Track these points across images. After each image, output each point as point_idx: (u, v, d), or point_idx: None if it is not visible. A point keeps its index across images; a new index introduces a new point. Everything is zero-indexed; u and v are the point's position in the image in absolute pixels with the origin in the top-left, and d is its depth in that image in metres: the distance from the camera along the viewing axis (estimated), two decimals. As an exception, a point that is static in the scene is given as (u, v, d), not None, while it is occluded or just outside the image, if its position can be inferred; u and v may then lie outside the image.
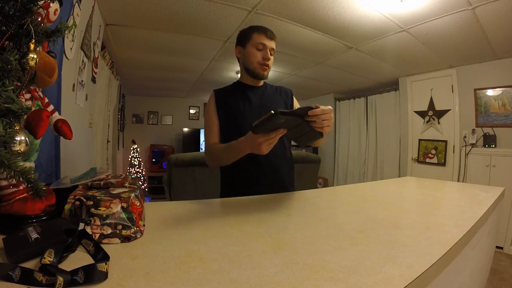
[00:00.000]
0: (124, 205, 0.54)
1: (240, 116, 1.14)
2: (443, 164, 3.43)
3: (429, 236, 0.58)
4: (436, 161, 3.50)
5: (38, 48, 0.56)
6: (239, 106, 1.16)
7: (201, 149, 5.97)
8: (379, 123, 4.45)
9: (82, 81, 1.80)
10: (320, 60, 3.27)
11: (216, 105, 1.18)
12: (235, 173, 1.12)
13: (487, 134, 3.01)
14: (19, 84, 0.52)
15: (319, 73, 3.81)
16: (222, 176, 1.21)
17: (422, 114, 3.67)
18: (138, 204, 0.58)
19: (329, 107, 0.75)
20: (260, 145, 0.79)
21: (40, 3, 0.54)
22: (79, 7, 1.53)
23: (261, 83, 1.24)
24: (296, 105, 1.28)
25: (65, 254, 0.43)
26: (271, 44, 1.15)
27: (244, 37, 1.17)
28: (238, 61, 1.23)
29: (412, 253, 0.50)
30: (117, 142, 4.52)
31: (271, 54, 1.15)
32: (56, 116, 0.65)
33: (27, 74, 0.53)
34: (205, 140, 1.21)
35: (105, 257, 0.41)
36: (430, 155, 3.57)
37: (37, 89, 0.63)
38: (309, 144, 1.10)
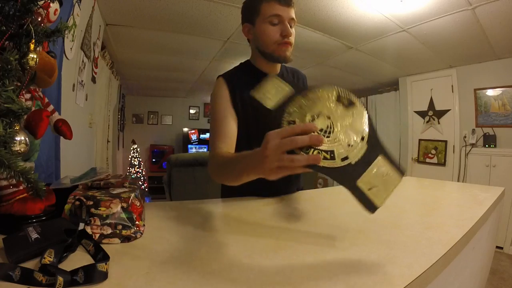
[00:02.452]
0: (124, 205, 0.54)
1: (258, 114, 0.86)
2: (443, 164, 3.43)
3: (429, 236, 0.58)
4: (436, 161, 3.50)
5: (38, 48, 0.56)
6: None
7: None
8: (379, 123, 4.46)
9: (82, 81, 1.80)
10: (320, 60, 3.27)
11: (231, 96, 0.87)
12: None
13: (487, 134, 3.01)
14: (19, 84, 0.52)
15: (319, 73, 3.81)
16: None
17: (422, 114, 3.67)
18: (138, 204, 0.58)
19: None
20: (268, 161, 0.44)
21: (40, 3, 0.54)
22: (79, 7, 1.53)
23: (278, 67, 0.98)
24: None
25: (65, 254, 0.43)
26: (290, 12, 0.85)
27: (251, 10, 0.88)
28: (249, 42, 0.95)
29: (412, 253, 0.49)
30: (117, 142, 4.52)
31: (291, 27, 0.86)
32: (56, 116, 0.65)
33: (27, 74, 0.53)
34: (213, 144, 0.83)
35: (105, 257, 0.41)
36: (430, 155, 3.57)
37: (37, 89, 0.63)
38: None
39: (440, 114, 3.48)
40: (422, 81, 3.65)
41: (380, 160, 0.43)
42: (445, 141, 3.41)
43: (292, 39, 0.86)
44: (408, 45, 2.69)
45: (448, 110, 3.39)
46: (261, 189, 0.86)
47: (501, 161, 2.89)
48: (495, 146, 2.95)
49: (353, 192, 0.42)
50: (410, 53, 2.93)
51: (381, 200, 0.42)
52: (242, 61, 0.99)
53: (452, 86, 3.32)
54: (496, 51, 2.70)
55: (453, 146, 3.33)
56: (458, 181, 3.21)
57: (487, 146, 3.01)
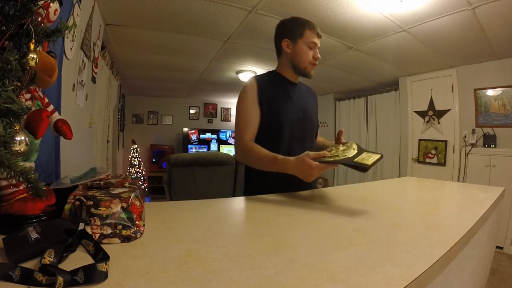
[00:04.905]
0: (124, 205, 0.54)
1: (282, 114, 1.06)
2: (443, 164, 3.43)
3: (429, 236, 0.58)
4: (436, 161, 3.50)
5: (38, 48, 0.56)
6: (282, 102, 1.08)
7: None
8: (379, 123, 4.45)
9: (82, 81, 1.80)
10: (320, 60, 3.26)
11: (258, 94, 1.06)
12: (267, 173, 0.97)
13: (487, 134, 3.01)
14: (19, 84, 0.52)
15: (319, 73, 3.81)
16: (249, 174, 1.12)
17: (422, 114, 3.67)
18: (138, 204, 0.58)
19: None
20: (312, 174, 0.81)
21: (40, 3, 0.54)
22: (79, 7, 1.53)
23: (297, 80, 1.19)
24: None
25: (65, 254, 0.43)
26: (319, 42, 1.13)
27: (295, 31, 1.11)
28: (280, 53, 1.16)
29: (412, 253, 0.49)
30: (117, 142, 4.52)
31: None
32: (56, 116, 0.65)
33: (27, 74, 0.53)
34: (239, 134, 1.06)
35: (105, 257, 0.41)
36: (430, 155, 3.57)
37: (37, 89, 0.63)
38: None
39: (440, 114, 3.48)
40: (422, 81, 3.65)
41: (364, 153, 0.85)
42: (445, 141, 3.41)
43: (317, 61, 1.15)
44: (408, 45, 2.69)
45: (448, 110, 3.39)
46: (290, 185, 1.01)
47: (501, 161, 2.89)
48: (495, 146, 2.95)
49: (352, 166, 0.80)
50: (410, 53, 2.93)
51: (368, 162, 0.78)
52: (270, 70, 1.22)
53: (452, 86, 3.32)
54: (496, 51, 2.70)
55: (453, 146, 3.34)
56: (458, 181, 3.21)
57: (487, 146, 3.01)
